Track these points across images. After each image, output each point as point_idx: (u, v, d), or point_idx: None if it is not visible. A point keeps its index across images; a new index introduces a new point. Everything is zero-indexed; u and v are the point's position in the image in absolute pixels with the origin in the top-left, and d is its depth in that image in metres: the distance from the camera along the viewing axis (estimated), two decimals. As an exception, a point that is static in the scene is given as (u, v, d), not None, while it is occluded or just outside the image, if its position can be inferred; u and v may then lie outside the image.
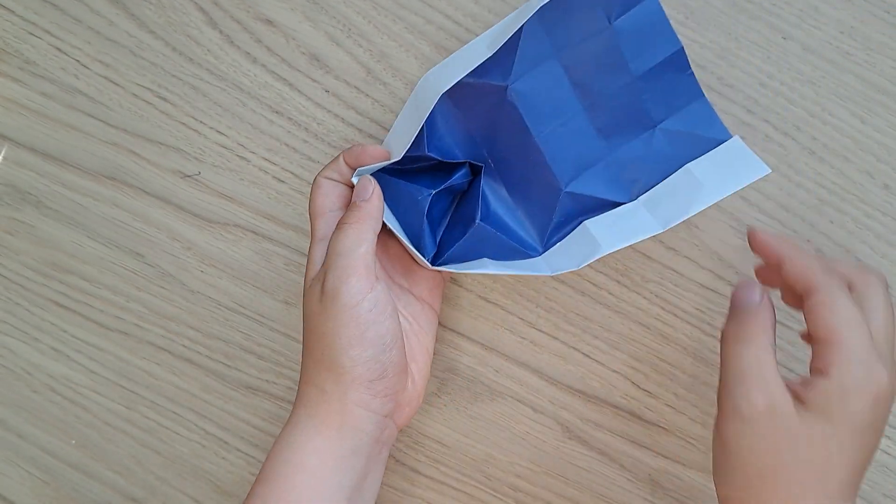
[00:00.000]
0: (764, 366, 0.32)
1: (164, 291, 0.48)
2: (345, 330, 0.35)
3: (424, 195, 0.39)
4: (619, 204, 0.40)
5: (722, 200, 0.43)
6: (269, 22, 0.46)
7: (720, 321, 0.44)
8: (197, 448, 0.48)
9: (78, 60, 0.48)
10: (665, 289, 0.44)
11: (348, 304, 0.35)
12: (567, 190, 0.40)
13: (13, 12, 0.48)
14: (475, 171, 0.42)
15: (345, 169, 0.40)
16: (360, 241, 0.35)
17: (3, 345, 0.49)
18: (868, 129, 0.43)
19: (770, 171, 0.36)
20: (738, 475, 0.32)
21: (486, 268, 0.38)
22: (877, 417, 0.31)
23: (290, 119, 0.46)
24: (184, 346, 0.48)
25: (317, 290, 0.36)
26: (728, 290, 0.44)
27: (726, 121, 0.44)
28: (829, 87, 0.43)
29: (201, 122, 0.47)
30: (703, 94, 0.39)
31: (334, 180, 0.40)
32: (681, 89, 0.39)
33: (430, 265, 0.39)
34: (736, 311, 0.34)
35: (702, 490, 0.45)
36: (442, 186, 0.40)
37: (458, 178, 0.41)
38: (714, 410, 0.44)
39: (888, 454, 0.44)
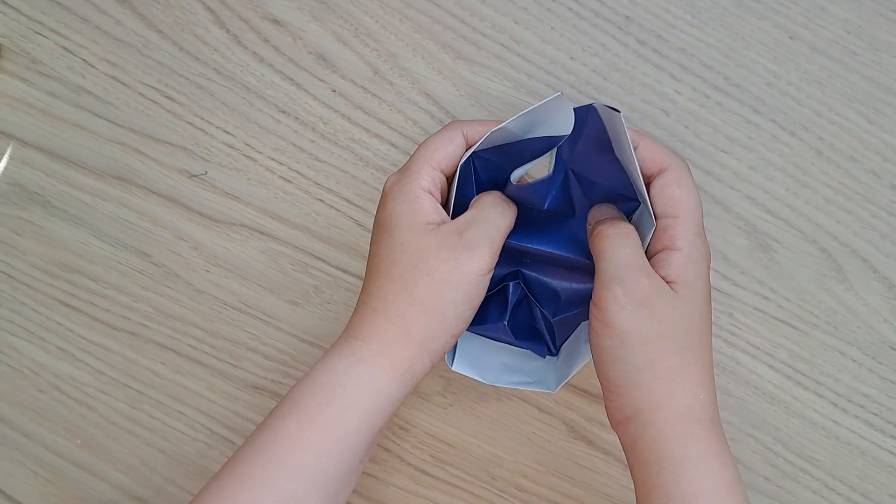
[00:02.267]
0: (642, 258, 0.35)
1: (171, 291, 0.48)
2: (467, 289, 0.35)
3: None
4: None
5: (729, 200, 0.44)
6: (277, 21, 0.46)
7: (727, 322, 0.44)
8: (202, 448, 0.48)
9: (85, 60, 0.48)
10: (671, 288, 0.44)
11: (482, 270, 0.35)
12: None
13: (20, 12, 0.48)
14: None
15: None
16: (509, 226, 0.37)
17: (9, 344, 0.49)
18: (875, 129, 0.43)
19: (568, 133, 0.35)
20: (641, 360, 0.34)
21: (499, 380, 0.41)
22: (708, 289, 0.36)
23: (297, 119, 0.46)
24: (190, 345, 0.48)
25: (454, 239, 0.35)
26: (736, 291, 0.44)
27: (732, 121, 0.44)
28: (836, 86, 0.43)
29: (208, 121, 0.47)
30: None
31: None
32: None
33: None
34: (604, 218, 0.38)
35: (708, 490, 0.45)
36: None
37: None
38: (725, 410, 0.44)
39: (893, 454, 0.44)
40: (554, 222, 0.40)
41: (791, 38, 0.43)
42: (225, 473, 0.35)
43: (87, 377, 0.49)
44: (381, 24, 0.45)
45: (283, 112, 0.46)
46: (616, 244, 0.35)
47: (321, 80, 0.46)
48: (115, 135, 0.48)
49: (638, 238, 0.36)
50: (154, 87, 0.47)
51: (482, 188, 0.39)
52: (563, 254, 0.40)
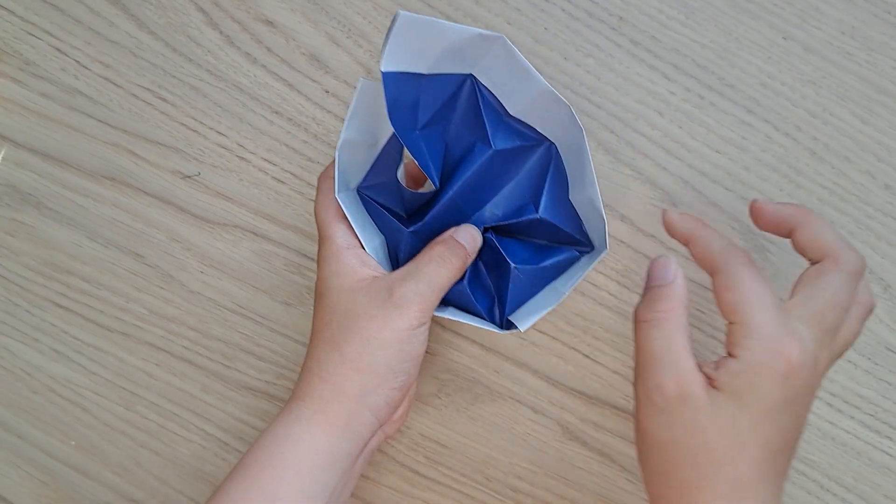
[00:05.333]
0: (675, 349, 0.31)
1: (164, 292, 0.48)
2: (402, 345, 0.35)
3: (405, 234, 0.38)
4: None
5: (723, 201, 0.44)
6: (270, 22, 0.46)
7: (722, 324, 0.44)
8: (197, 449, 0.48)
9: (78, 61, 0.48)
10: (665, 289, 0.44)
11: (412, 326, 0.35)
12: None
13: (13, 13, 0.48)
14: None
15: None
16: (449, 282, 0.37)
17: (3, 346, 0.49)
18: (869, 129, 0.43)
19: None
20: (657, 465, 0.32)
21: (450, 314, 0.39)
22: (791, 394, 0.30)
23: (289, 119, 0.46)
24: (183, 346, 0.48)
25: (384, 296, 0.35)
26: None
27: (726, 121, 0.44)
28: (830, 87, 0.43)
29: (201, 122, 0.47)
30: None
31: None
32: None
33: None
34: (648, 289, 0.33)
35: (702, 491, 0.45)
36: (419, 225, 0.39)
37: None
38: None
39: (889, 455, 0.44)
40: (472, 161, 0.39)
41: (785, 38, 0.43)
42: None
43: (81, 378, 0.49)
44: (374, 25, 0.45)
45: (276, 113, 0.46)
46: (645, 334, 0.32)
47: (314, 81, 0.46)
48: (108, 136, 0.48)
49: (678, 321, 0.32)
50: (147, 89, 0.47)
51: (384, 212, 0.38)
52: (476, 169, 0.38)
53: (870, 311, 0.34)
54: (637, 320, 0.33)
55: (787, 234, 0.35)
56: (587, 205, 0.38)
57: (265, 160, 0.47)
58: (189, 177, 0.47)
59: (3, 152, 0.49)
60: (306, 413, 0.36)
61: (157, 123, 0.47)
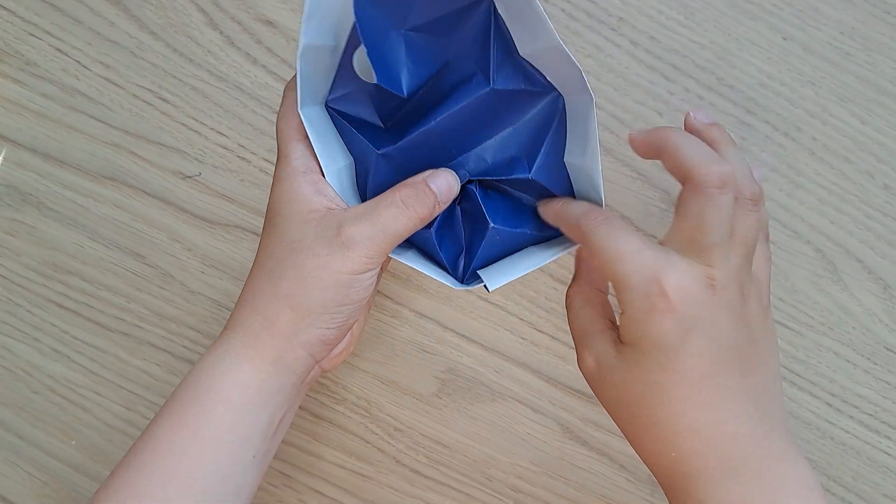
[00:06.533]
0: (588, 324, 0.34)
1: (165, 292, 0.48)
2: (340, 288, 0.33)
3: (375, 155, 0.35)
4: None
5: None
6: (270, 23, 0.46)
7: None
8: (197, 449, 0.48)
9: (78, 61, 0.48)
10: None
11: (355, 272, 0.33)
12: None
13: (14, 13, 0.48)
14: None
15: None
16: (408, 231, 0.34)
17: (3, 345, 0.49)
18: (868, 129, 0.43)
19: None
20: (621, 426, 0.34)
21: (413, 262, 0.36)
22: (690, 321, 0.30)
23: (290, 120, 0.46)
24: (184, 346, 0.48)
25: (331, 234, 0.33)
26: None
27: (725, 121, 0.44)
28: (829, 87, 0.43)
29: (202, 122, 0.47)
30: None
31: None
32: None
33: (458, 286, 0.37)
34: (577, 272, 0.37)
35: (702, 491, 0.45)
36: (392, 146, 0.35)
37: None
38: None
39: (888, 454, 0.44)
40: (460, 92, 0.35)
41: (784, 38, 0.43)
42: (106, 484, 0.33)
43: (82, 378, 0.49)
44: (375, 25, 0.45)
45: (277, 113, 0.46)
46: (570, 314, 0.36)
47: (315, 82, 0.46)
48: (108, 136, 0.48)
49: (586, 294, 0.35)
50: (147, 89, 0.47)
51: (353, 131, 0.35)
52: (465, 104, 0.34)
53: (754, 200, 0.32)
54: (566, 306, 0.36)
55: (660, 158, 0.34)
56: (584, 175, 0.35)
57: (266, 160, 0.47)
58: (190, 177, 0.47)
59: (3, 152, 0.49)
60: (235, 346, 0.34)
61: (158, 124, 0.47)
